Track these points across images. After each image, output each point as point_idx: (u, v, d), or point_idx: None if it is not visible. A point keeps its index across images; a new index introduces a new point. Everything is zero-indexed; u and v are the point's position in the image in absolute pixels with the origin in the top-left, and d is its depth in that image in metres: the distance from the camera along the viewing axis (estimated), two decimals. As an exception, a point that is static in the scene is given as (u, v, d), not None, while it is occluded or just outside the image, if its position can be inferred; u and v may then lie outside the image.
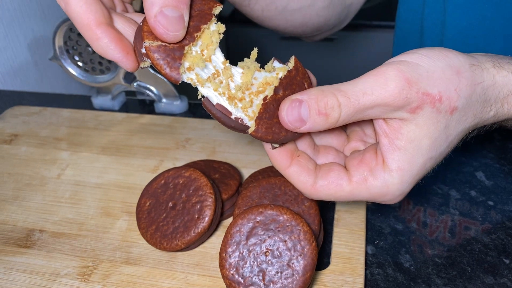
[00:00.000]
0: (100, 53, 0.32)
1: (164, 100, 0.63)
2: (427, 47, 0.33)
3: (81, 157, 0.55)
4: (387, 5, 1.39)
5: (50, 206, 0.48)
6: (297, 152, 0.36)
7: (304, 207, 0.41)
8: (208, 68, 0.32)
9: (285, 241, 0.37)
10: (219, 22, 0.33)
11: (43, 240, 0.44)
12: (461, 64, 0.32)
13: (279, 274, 0.36)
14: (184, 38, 0.31)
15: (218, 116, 0.32)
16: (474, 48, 0.52)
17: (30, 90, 0.82)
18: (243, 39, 1.59)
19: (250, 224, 0.38)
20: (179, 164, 0.52)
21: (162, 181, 0.44)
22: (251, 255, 0.37)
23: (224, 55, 0.33)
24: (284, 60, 0.35)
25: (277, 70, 0.34)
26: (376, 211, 0.47)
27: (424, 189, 0.49)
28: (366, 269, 0.41)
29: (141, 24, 0.32)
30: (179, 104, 0.63)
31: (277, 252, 0.37)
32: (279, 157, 0.35)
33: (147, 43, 0.31)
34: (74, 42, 0.59)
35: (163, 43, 0.31)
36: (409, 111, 0.31)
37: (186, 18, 0.31)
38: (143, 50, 0.31)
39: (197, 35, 0.32)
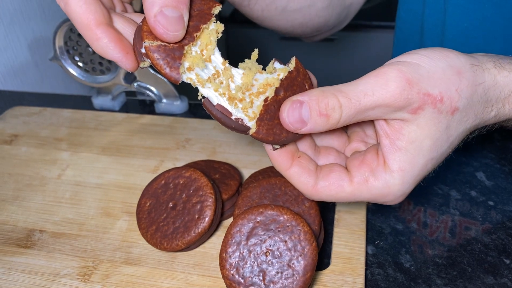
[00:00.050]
0: (100, 53, 0.32)
1: (164, 100, 0.63)
2: (428, 47, 0.33)
3: (81, 157, 0.55)
4: (387, 5, 1.39)
5: (50, 206, 0.48)
6: (298, 153, 0.36)
7: (304, 207, 0.41)
8: (208, 69, 0.32)
9: (286, 241, 0.37)
10: (218, 22, 0.33)
11: (43, 240, 0.44)
12: (462, 64, 0.32)
13: (280, 274, 0.36)
14: (184, 38, 0.31)
15: (218, 116, 0.32)
16: (474, 49, 0.52)
17: (30, 90, 0.82)
18: (243, 39, 1.59)
19: (251, 224, 0.37)
20: (180, 164, 0.52)
21: (163, 181, 0.44)
22: (251, 255, 0.37)
23: (224, 56, 0.33)
24: (284, 61, 0.34)
25: (278, 71, 0.34)
26: (376, 211, 0.47)
27: (425, 189, 0.49)
28: (366, 269, 0.41)
29: (140, 24, 0.32)
30: (179, 105, 0.63)
31: (278, 252, 0.37)
32: (280, 158, 0.35)
33: (146, 43, 0.30)
34: (75, 42, 0.59)
35: (162, 43, 0.31)
36: (410, 111, 0.31)
37: (186, 18, 0.31)
38: (143, 50, 0.31)
39: (196, 35, 0.32)
